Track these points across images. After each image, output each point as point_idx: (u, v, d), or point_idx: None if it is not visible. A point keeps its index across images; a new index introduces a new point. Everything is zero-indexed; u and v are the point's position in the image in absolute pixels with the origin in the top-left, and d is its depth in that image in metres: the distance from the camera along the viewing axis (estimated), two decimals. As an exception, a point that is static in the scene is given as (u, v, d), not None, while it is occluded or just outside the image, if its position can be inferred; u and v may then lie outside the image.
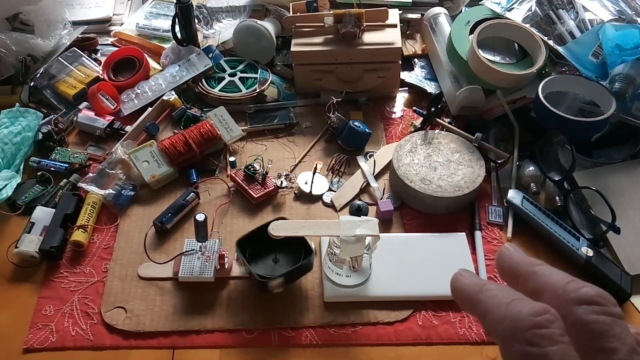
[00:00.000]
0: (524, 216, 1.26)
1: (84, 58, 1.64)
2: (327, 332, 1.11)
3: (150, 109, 1.50)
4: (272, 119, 1.51)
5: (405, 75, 1.62)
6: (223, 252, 1.16)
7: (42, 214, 1.25)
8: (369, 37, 1.52)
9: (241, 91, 1.55)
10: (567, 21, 1.47)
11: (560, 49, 1.42)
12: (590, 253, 1.19)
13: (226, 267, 1.16)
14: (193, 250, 1.17)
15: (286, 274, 1.09)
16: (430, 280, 1.17)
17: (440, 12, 1.67)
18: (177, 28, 1.59)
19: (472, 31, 1.51)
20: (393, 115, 1.56)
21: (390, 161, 1.35)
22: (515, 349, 0.35)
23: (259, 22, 1.59)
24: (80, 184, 1.31)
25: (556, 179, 1.31)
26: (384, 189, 1.36)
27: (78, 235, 1.22)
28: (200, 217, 1.10)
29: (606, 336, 0.35)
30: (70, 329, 1.11)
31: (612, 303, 0.36)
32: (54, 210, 1.26)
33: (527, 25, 1.47)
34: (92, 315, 1.13)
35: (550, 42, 1.44)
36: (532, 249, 1.24)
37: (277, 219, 1.13)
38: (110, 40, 1.75)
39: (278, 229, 1.08)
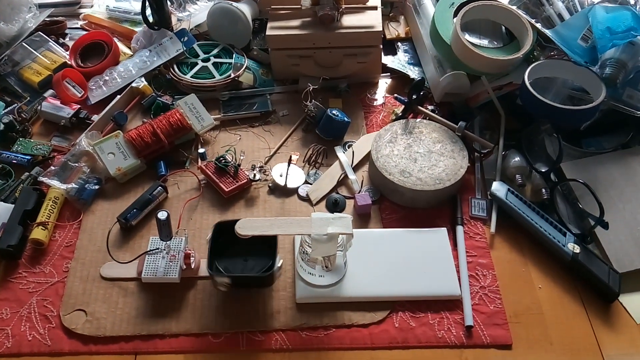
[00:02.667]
0: (509, 210, 1.20)
1: (50, 43, 1.57)
2: (298, 335, 1.05)
3: (118, 96, 1.43)
4: (248, 107, 1.45)
5: (387, 60, 1.55)
6: (189, 252, 1.10)
7: (1, 210, 1.19)
8: (348, 20, 1.45)
9: (214, 77, 1.48)
10: (556, 3, 1.40)
11: (548, 32, 1.35)
12: (577, 249, 1.13)
13: (192, 267, 1.10)
14: (157, 249, 1.11)
15: (272, 256, 1.07)
16: (408, 279, 1.12)
17: (424, -7, 1.59)
18: (148, 11, 1.52)
19: (456, 13, 1.44)
20: (374, 103, 1.49)
21: (370, 152, 1.29)
22: None
23: (234, 4, 1.52)
24: (42, 178, 1.25)
25: (543, 170, 1.25)
26: (363, 181, 1.29)
27: (38, 233, 1.15)
28: (162, 215, 1.03)
29: None
30: (27, 333, 1.05)
31: None
32: (13, 206, 1.20)
33: (514, 7, 1.40)
34: (50, 318, 1.07)
35: (538, 25, 1.37)
36: (517, 245, 1.19)
37: (219, 223, 1.10)
38: (80, 23, 1.68)
39: (246, 228, 1.01)
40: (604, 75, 1.28)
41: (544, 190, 1.23)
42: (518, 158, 1.28)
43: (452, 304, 1.09)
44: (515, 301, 1.10)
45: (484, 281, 1.13)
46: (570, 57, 1.32)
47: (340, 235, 1.02)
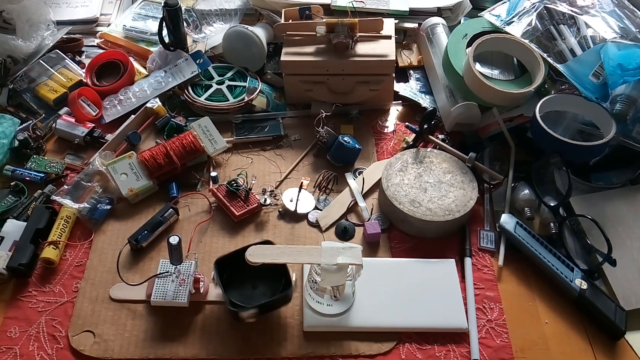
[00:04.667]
0: (517, 243, 1.21)
1: (67, 60, 1.58)
2: (305, 364, 1.06)
3: (132, 116, 1.45)
4: (260, 130, 1.46)
5: (399, 88, 1.56)
6: (198, 276, 1.11)
7: (13, 228, 1.20)
8: (362, 48, 1.46)
9: (228, 100, 1.49)
10: (568, 38, 1.41)
11: (560, 67, 1.35)
12: (584, 286, 1.13)
13: (201, 291, 1.11)
14: (167, 272, 1.12)
15: (260, 306, 1.04)
16: (415, 310, 1.12)
17: (438, 23, 1.61)
18: (164, 32, 1.54)
19: (469, 44, 1.45)
20: (385, 130, 1.50)
21: (380, 180, 1.30)
22: None
23: (249, 27, 1.53)
24: (54, 197, 1.25)
25: (552, 204, 1.25)
26: (372, 209, 1.30)
27: (49, 252, 1.16)
28: (173, 240, 1.04)
29: None
30: (35, 353, 1.05)
31: None
32: (25, 224, 1.21)
33: (527, 41, 1.41)
34: (59, 339, 1.07)
35: (550, 59, 1.38)
36: (524, 279, 1.19)
37: (262, 242, 1.08)
38: (96, 42, 1.69)
39: (256, 255, 1.02)
40: (615, 111, 1.29)
41: (552, 224, 1.24)
42: (527, 191, 1.29)
43: (458, 337, 1.10)
44: (522, 336, 1.11)
45: (491, 314, 1.13)
46: (582, 92, 1.33)
47: (349, 266, 1.03)
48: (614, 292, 1.15)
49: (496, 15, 1.50)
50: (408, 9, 1.64)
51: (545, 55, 1.39)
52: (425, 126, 1.38)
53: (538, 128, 1.28)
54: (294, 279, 1.08)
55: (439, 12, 1.67)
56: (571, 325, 1.12)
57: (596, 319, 1.12)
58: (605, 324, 1.10)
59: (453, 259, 1.21)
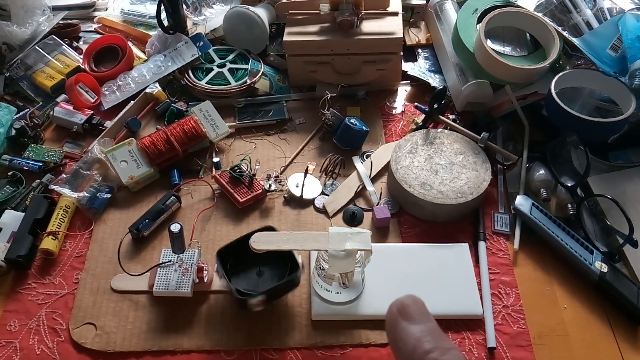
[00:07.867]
0: (533, 225, 1.16)
1: (64, 46, 1.54)
2: (313, 354, 1.01)
3: (132, 102, 1.40)
4: (264, 114, 1.41)
5: (407, 67, 1.51)
6: (202, 265, 1.07)
7: (11, 219, 1.17)
8: (368, 26, 1.41)
9: (230, 84, 1.44)
10: (583, 10, 1.35)
11: (575, 40, 1.30)
12: (605, 268, 1.08)
13: (205, 280, 1.07)
14: (170, 261, 1.08)
15: (268, 292, 0.99)
16: (428, 297, 1.05)
17: (446, -2, 1.55)
18: (162, 15, 1.49)
19: (480, 20, 1.40)
20: (393, 111, 1.45)
21: (389, 163, 1.25)
22: None
23: (251, 8, 1.48)
24: (52, 186, 1.22)
25: (569, 184, 1.20)
26: (381, 193, 1.25)
27: (48, 243, 1.12)
28: (175, 227, 1.00)
29: None
30: (36, 347, 1.02)
31: None
32: (23, 214, 1.17)
33: (540, 14, 1.36)
34: (59, 331, 1.04)
35: (565, 33, 1.32)
36: (541, 262, 1.14)
37: (264, 228, 1.04)
38: (94, 27, 1.65)
39: (260, 242, 0.98)
40: (634, 85, 1.23)
41: (569, 205, 1.19)
42: (543, 171, 1.24)
43: (473, 324, 1.05)
44: (540, 322, 1.06)
45: (507, 300, 1.08)
46: (599, 66, 1.28)
47: (358, 252, 0.98)
48: (635, 274, 1.10)
49: (507, -11, 1.44)
50: (415, -15, 1.59)
51: (559, 29, 1.33)
52: (435, 106, 1.33)
53: (554, 105, 1.23)
54: (300, 261, 1.04)
55: (447, -13, 1.61)
56: (591, 310, 1.08)
57: (617, 302, 1.07)
58: (627, 308, 1.06)
59: (466, 243, 1.16)
